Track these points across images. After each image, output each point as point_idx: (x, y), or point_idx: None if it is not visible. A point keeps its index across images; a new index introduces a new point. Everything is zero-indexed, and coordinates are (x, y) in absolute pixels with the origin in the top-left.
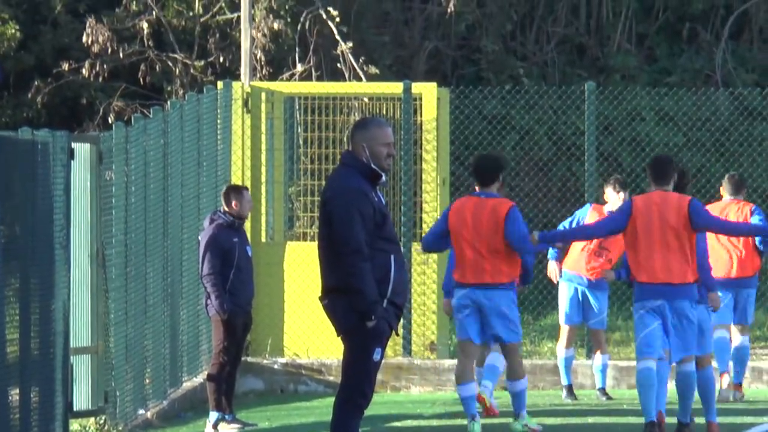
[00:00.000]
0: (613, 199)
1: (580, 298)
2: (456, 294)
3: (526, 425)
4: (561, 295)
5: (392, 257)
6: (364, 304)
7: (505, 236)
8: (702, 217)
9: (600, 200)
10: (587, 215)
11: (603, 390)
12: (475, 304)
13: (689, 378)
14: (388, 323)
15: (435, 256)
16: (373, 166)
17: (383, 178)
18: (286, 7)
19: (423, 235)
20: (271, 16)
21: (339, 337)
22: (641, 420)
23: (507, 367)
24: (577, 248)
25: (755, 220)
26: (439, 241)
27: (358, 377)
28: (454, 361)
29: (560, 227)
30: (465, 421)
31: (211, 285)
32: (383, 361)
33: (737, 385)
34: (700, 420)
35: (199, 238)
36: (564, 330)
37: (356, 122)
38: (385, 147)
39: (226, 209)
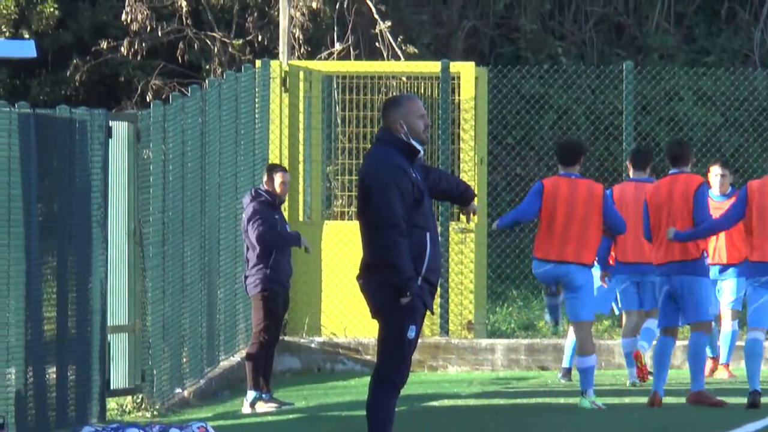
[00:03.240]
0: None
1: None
2: (539, 268)
3: (594, 402)
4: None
5: (428, 235)
6: (400, 279)
7: (604, 216)
8: None
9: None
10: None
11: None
12: (556, 279)
13: None
14: (422, 300)
15: (472, 235)
16: (412, 141)
17: (421, 152)
18: None
19: (460, 213)
20: None
21: (374, 319)
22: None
23: (576, 342)
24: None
25: None
26: (526, 217)
27: (393, 356)
28: (491, 341)
29: None
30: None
31: (270, 237)
32: (420, 340)
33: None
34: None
35: (243, 216)
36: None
37: (386, 101)
38: (421, 119)
39: (267, 188)
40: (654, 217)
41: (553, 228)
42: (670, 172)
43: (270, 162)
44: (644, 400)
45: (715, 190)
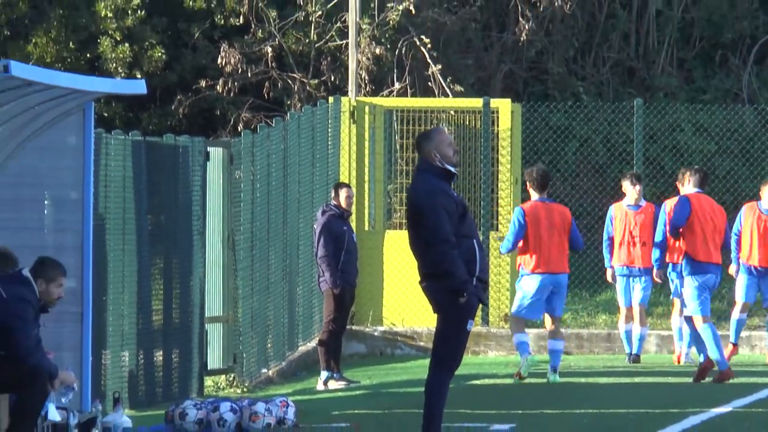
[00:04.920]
0: (630, 191)
1: (632, 284)
2: (535, 279)
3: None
4: (618, 285)
5: (474, 241)
6: (456, 284)
7: (570, 236)
8: None
9: (647, 198)
10: (613, 214)
11: (637, 356)
12: (550, 287)
13: None
14: (477, 297)
15: None
16: (446, 166)
17: (455, 176)
18: (386, 35)
19: (499, 224)
20: (373, 42)
21: (436, 314)
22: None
23: (553, 329)
24: (616, 246)
25: None
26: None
27: (452, 345)
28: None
29: (605, 235)
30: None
31: (325, 265)
32: None
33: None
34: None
35: (314, 226)
36: (623, 310)
37: (418, 136)
38: (449, 147)
39: (335, 202)
40: (702, 225)
41: (542, 244)
42: (697, 190)
43: (338, 181)
44: (650, 380)
45: None
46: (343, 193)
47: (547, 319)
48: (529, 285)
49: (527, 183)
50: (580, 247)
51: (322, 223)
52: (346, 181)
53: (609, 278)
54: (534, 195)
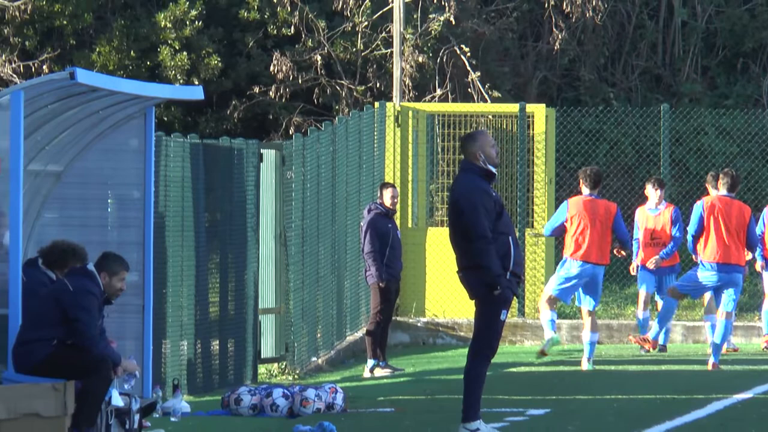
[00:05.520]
0: (652, 195)
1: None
2: (576, 265)
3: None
4: (638, 274)
5: (510, 238)
6: (490, 278)
7: (614, 229)
8: None
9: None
10: (637, 216)
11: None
12: (587, 276)
13: None
14: (511, 290)
15: (543, 238)
16: (489, 166)
17: (495, 174)
18: (429, 44)
19: (534, 222)
20: (416, 51)
21: (472, 300)
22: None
23: (590, 322)
24: (640, 246)
25: None
26: (559, 230)
27: (488, 334)
28: (558, 321)
29: (634, 234)
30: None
31: (371, 260)
32: None
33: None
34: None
35: (361, 223)
36: (642, 295)
37: (463, 137)
38: (493, 148)
39: (381, 201)
40: (713, 227)
41: (585, 235)
42: (726, 194)
43: (384, 181)
44: (676, 368)
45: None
46: (387, 192)
47: (584, 313)
48: (570, 268)
49: (581, 180)
50: (625, 237)
51: (368, 220)
52: (391, 182)
53: (632, 271)
54: (585, 191)
